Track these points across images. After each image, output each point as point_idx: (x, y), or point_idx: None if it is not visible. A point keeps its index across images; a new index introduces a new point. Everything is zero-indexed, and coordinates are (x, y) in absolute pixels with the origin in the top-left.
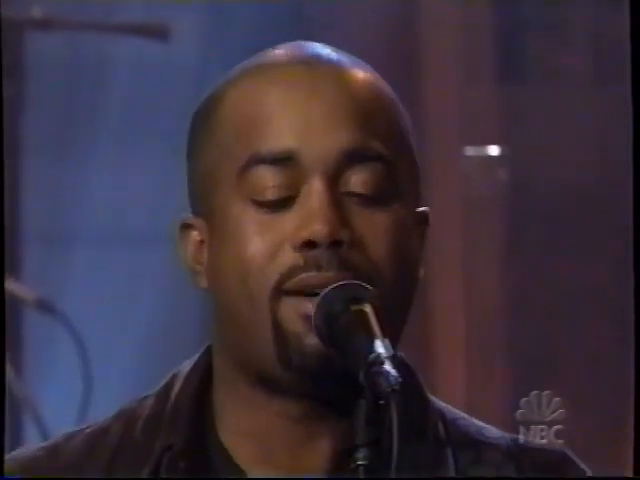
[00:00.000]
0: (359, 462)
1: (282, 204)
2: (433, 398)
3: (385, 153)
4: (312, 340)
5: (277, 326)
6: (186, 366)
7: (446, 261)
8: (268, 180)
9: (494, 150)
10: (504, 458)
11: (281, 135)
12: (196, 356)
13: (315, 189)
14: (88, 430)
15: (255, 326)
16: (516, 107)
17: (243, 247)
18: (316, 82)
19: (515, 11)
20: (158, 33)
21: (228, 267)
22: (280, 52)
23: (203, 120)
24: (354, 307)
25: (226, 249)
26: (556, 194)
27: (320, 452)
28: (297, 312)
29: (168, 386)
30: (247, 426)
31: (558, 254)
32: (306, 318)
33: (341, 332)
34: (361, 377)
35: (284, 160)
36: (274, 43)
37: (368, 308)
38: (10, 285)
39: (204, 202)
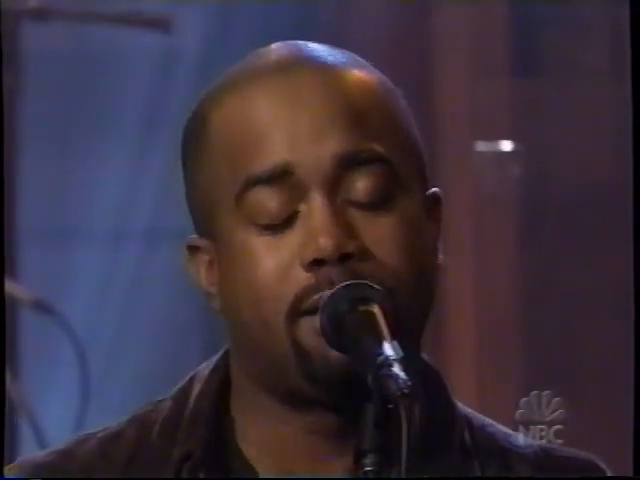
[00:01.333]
0: (367, 468)
1: (285, 223)
2: (459, 404)
3: (383, 152)
4: (335, 352)
5: (297, 344)
6: (204, 368)
7: (458, 257)
8: (267, 201)
9: (506, 146)
10: (532, 468)
11: (273, 152)
12: (214, 359)
13: (316, 203)
14: (101, 434)
15: (273, 348)
16: (529, 102)
17: (252, 272)
18: (300, 91)
19: (528, 5)
20: (160, 24)
21: (239, 293)
22: (261, 60)
23: (193, 141)
24: (361, 307)
25: (235, 274)
26: (569, 190)
27: (344, 467)
28: (315, 329)
29: (186, 389)
30: (269, 439)
31: (570, 252)
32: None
33: (348, 333)
34: (369, 380)
35: (280, 176)
36: (277, 36)
37: (376, 309)
38: (7, 285)
39: (207, 225)
